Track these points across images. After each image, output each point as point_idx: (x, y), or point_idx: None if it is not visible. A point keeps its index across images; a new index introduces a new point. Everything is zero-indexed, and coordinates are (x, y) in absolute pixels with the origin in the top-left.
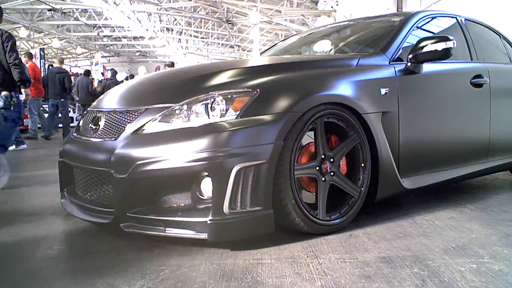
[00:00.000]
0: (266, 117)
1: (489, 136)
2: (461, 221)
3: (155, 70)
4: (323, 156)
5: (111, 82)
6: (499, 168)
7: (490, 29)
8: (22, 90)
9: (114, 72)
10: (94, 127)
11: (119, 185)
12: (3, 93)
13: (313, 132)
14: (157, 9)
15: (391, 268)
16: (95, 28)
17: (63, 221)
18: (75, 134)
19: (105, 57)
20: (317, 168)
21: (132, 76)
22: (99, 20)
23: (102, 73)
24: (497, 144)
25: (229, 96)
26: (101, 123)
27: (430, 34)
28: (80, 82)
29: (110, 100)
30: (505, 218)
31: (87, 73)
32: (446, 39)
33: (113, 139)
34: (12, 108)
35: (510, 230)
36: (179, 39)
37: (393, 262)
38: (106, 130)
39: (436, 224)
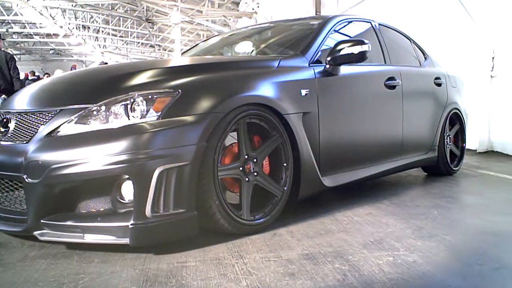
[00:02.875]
0: (188, 118)
1: (402, 135)
2: (378, 216)
3: (71, 69)
4: (246, 157)
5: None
6: (412, 165)
7: (402, 34)
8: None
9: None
10: (3, 130)
11: (32, 190)
12: (3, 96)
13: (236, 132)
14: (72, 5)
15: (314, 265)
16: (3, 24)
17: None
18: None
19: (16, 55)
20: (241, 168)
21: (48, 75)
22: (8, 15)
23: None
24: (409, 143)
25: (150, 97)
26: (11, 125)
27: (347, 38)
28: None
29: (21, 101)
30: (417, 212)
31: None
32: (361, 42)
33: (24, 142)
34: None
35: (422, 223)
36: (96, 37)
37: (316, 259)
38: (17, 133)
39: (355, 220)
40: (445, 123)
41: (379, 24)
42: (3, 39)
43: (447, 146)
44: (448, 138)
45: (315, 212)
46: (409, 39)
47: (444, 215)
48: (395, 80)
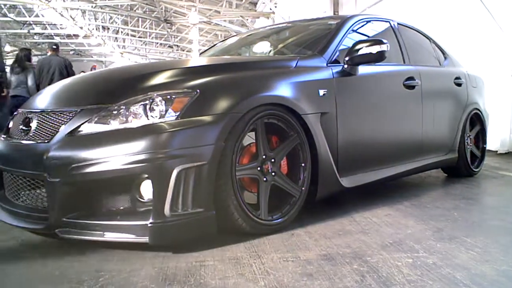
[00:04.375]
0: (207, 118)
1: (421, 136)
2: (397, 217)
3: (91, 70)
4: (264, 157)
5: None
6: (431, 166)
7: (421, 34)
8: None
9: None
10: (25, 129)
11: (53, 189)
12: None
13: (254, 132)
14: (92, 6)
15: (332, 265)
16: (25, 25)
17: None
18: (4, 136)
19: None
20: (259, 168)
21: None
22: (30, 17)
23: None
24: (429, 143)
25: (169, 97)
26: (33, 125)
27: (366, 38)
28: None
29: (43, 100)
30: (437, 213)
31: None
32: (380, 42)
33: (46, 141)
34: None
35: (442, 225)
36: (116, 38)
37: (334, 260)
38: (39, 132)
39: (374, 221)
40: (466, 123)
41: (398, 24)
42: (58, 47)
43: (468, 147)
44: (468, 139)
45: (333, 213)
46: (428, 39)
47: (464, 216)
48: (414, 80)
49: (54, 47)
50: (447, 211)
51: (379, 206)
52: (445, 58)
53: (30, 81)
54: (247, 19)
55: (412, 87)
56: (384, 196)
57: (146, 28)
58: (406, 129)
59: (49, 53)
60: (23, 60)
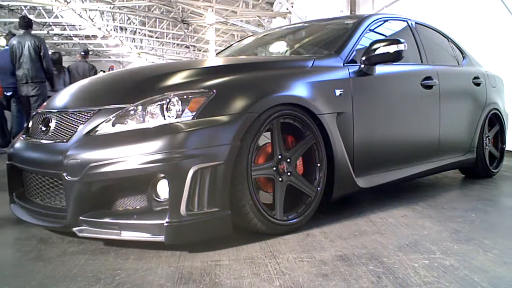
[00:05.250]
0: (223, 118)
1: (439, 136)
2: (414, 218)
3: (109, 70)
4: (280, 157)
5: None
6: (449, 166)
7: (439, 33)
8: None
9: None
10: (44, 129)
11: (72, 188)
12: None
13: (269, 132)
14: (110, 7)
15: (347, 266)
16: (44, 26)
17: (12, 226)
18: (24, 136)
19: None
20: (274, 168)
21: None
22: (49, 18)
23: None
24: (447, 144)
25: (185, 97)
26: (52, 124)
27: (383, 37)
28: None
29: (61, 101)
30: (454, 215)
31: None
32: (397, 41)
33: (64, 140)
34: None
35: (459, 227)
36: (133, 38)
37: (350, 260)
38: (57, 132)
39: (390, 222)
40: (484, 123)
41: (416, 23)
42: (86, 54)
43: (486, 147)
44: (487, 139)
45: (348, 213)
46: (447, 38)
47: (482, 218)
48: (432, 79)
49: (83, 53)
50: (464, 212)
51: (395, 206)
52: (464, 57)
53: (68, 80)
54: (264, 19)
55: (430, 87)
56: (400, 196)
57: (163, 29)
58: (423, 129)
59: (79, 59)
60: (57, 62)
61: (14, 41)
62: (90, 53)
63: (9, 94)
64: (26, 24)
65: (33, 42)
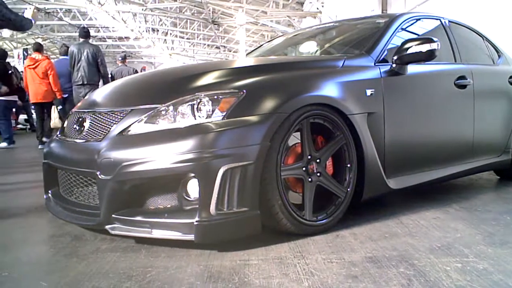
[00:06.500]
0: (253, 118)
1: (473, 137)
2: (446, 220)
3: (141, 71)
4: (309, 157)
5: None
6: (483, 168)
7: (474, 31)
8: None
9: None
10: (79, 128)
11: (105, 186)
12: None
13: (299, 133)
14: (142, 9)
15: (377, 268)
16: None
17: (47, 223)
18: (59, 135)
19: None
20: (304, 168)
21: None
22: (84, 20)
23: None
24: (481, 144)
25: (215, 97)
26: (86, 124)
27: (415, 36)
28: None
29: (95, 101)
30: (489, 217)
31: None
32: (430, 40)
33: (98, 140)
34: None
35: (494, 230)
36: (165, 39)
37: (380, 262)
38: (91, 131)
39: (422, 224)
40: None
41: (449, 21)
42: (124, 59)
43: None
44: None
45: (379, 214)
46: (481, 36)
47: None
48: (466, 79)
49: (121, 58)
50: (499, 215)
51: (427, 208)
52: (499, 56)
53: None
54: (294, 19)
55: (464, 86)
56: (432, 198)
57: (194, 30)
58: (456, 130)
59: (119, 64)
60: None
61: (74, 48)
62: (123, 54)
63: (65, 96)
64: (85, 34)
65: (91, 49)
